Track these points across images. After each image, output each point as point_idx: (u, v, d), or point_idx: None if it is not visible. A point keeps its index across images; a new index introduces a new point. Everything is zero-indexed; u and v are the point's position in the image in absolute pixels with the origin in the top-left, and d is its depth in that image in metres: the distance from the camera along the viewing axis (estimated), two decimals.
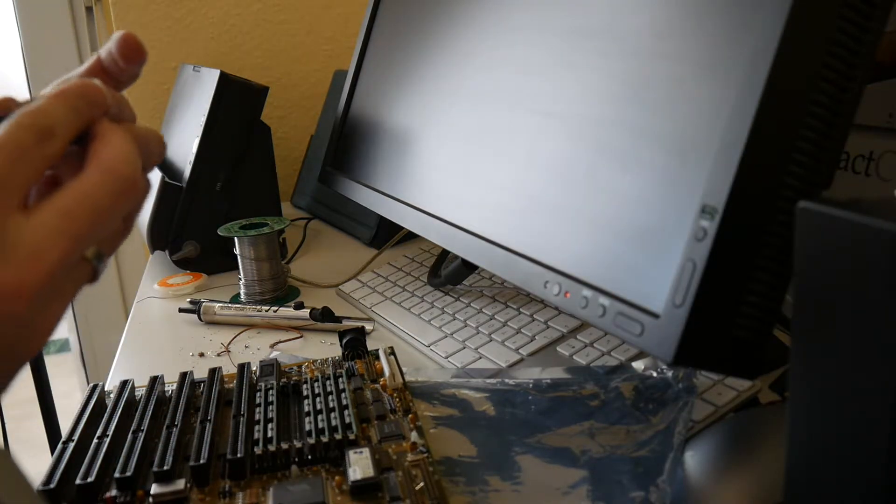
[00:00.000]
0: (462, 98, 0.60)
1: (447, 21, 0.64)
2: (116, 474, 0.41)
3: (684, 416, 0.44)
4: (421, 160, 0.64)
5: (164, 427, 0.46)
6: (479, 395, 0.51)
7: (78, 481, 0.41)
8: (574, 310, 0.43)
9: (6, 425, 1.16)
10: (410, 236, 0.86)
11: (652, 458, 0.42)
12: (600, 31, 0.46)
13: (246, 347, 0.66)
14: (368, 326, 0.66)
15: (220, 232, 0.75)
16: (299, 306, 0.68)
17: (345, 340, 0.56)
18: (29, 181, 0.28)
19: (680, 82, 0.40)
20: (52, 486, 0.40)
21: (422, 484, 0.40)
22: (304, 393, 0.49)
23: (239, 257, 0.75)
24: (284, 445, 0.43)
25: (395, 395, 0.49)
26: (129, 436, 0.45)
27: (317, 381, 0.50)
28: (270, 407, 0.47)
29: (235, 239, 0.74)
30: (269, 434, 0.44)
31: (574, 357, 0.55)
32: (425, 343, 0.62)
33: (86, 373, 1.48)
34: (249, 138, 0.86)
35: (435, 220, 0.59)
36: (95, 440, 0.45)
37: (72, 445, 0.44)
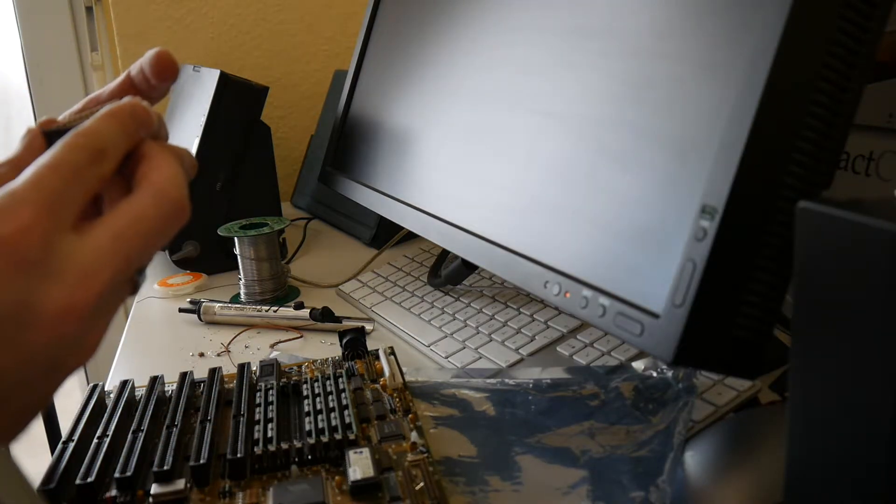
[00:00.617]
0: (462, 98, 0.60)
1: (447, 21, 0.64)
2: (116, 474, 0.41)
3: (684, 416, 0.44)
4: (421, 160, 0.64)
5: (164, 427, 0.46)
6: (479, 395, 0.51)
7: (78, 481, 0.41)
8: (574, 310, 0.43)
9: None
10: (410, 236, 0.86)
11: (652, 458, 0.42)
12: (600, 31, 0.46)
13: (246, 347, 0.66)
14: (368, 326, 0.66)
15: (220, 232, 0.75)
16: (299, 306, 0.68)
17: (345, 340, 0.56)
18: (82, 201, 0.29)
19: (680, 82, 0.40)
20: (52, 486, 0.40)
21: (422, 484, 0.40)
22: (304, 393, 0.49)
23: (239, 257, 0.75)
24: (284, 445, 0.43)
25: (395, 395, 0.49)
26: (129, 436, 0.45)
27: (317, 381, 0.50)
28: (270, 407, 0.47)
29: (235, 239, 0.74)
30: (269, 434, 0.44)
31: (574, 357, 0.55)
32: (425, 343, 0.62)
33: (86, 373, 1.48)
34: (249, 138, 0.86)
35: (435, 220, 0.59)
36: (95, 440, 0.45)
37: (72, 445, 0.44)
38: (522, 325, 0.61)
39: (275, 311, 0.68)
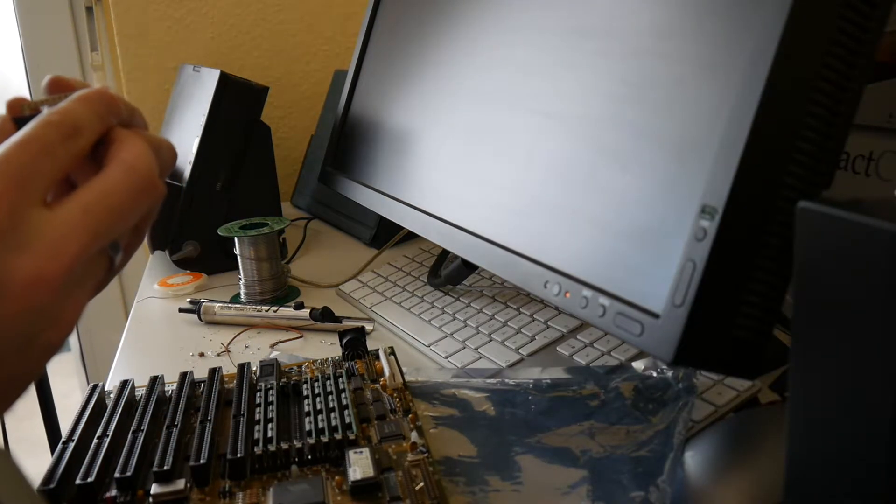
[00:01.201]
0: (462, 98, 0.60)
1: (447, 21, 0.64)
2: (116, 474, 0.41)
3: (684, 416, 0.44)
4: (421, 160, 0.64)
5: (164, 427, 0.46)
6: (479, 395, 0.51)
7: (78, 481, 0.41)
8: (574, 310, 0.43)
9: (6, 425, 1.16)
10: (410, 236, 0.86)
11: (652, 458, 0.42)
12: (600, 31, 0.46)
13: (246, 347, 0.66)
14: (368, 326, 0.66)
15: (220, 232, 0.75)
16: (299, 306, 0.68)
17: (345, 340, 0.56)
18: (53, 177, 0.30)
19: (680, 82, 0.40)
20: (52, 486, 0.40)
21: (422, 484, 0.40)
22: (304, 393, 0.49)
23: (239, 257, 0.75)
24: (284, 445, 0.43)
25: (395, 395, 0.49)
26: (129, 436, 0.45)
27: (317, 381, 0.51)
28: (270, 407, 0.47)
29: (235, 239, 0.74)
30: (269, 434, 0.44)
31: (574, 357, 0.55)
32: (425, 343, 0.62)
33: (86, 373, 1.48)
34: (249, 138, 0.86)
35: (435, 220, 0.59)
36: (95, 440, 0.45)
37: (72, 445, 0.44)
38: (522, 325, 0.61)
39: (275, 311, 0.68)
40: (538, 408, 0.49)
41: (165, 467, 0.41)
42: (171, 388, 0.52)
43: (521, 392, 0.51)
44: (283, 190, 0.99)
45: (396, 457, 0.42)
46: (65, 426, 0.51)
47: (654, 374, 0.49)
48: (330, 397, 0.48)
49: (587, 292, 0.42)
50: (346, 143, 0.79)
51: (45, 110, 0.31)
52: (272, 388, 0.49)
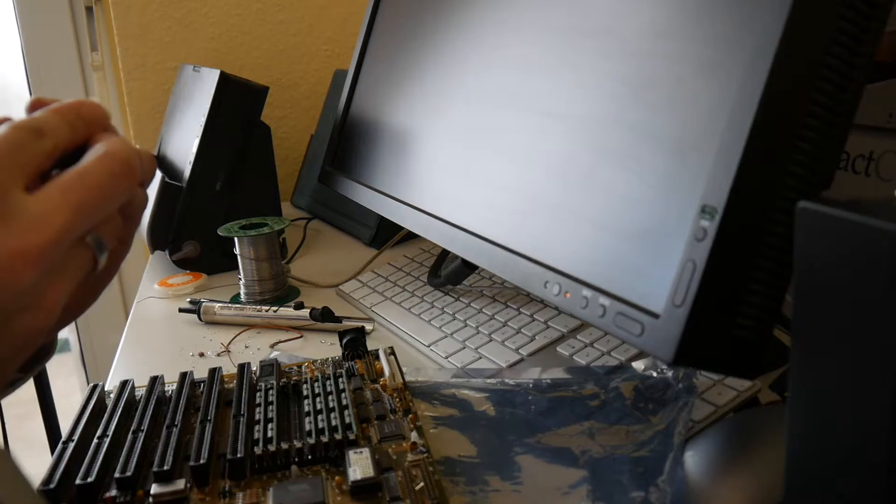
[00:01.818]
0: (462, 98, 0.60)
1: (447, 21, 0.64)
2: (116, 474, 0.41)
3: (684, 416, 0.44)
4: (421, 160, 0.64)
5: (164, 427, 0.46)
6: (479, 395, 0.51)
7: (78, 481, 0.41)
8: (574, 310, 0.43)
9: (6, 425, 1.16)
10: (410, 236, 0.86)
11: (652, 458, 0.42)
12: (600, 31, 0.46)
13: (246, 347, 0.66)
14: (368, 326, 0.66)
15: (220, 232, 0.75)
16: (299, 306, 0.68)
17: (345, 340, 0.56)
18: (26, 168, 0.31)
19: (680, 82, 0.40)
20: (52, 486, 0.40)
21: (422, 484, 0.40)
22: (304, 393, 0.49)
23: (239, 257, 0.75)
24: (284, 445, 0.43)
25: (395, 395, 0.49)
26: (129, 436, 0.45)
27: (317, 381, 0.50)
28: (270, 407, 0.47)
29: (235, 239, 0.74)
30: (269, 434, 0.44)
31: (574, 357, 0.55)
32: (425, 343, 0.62)
33: (86, 373, 1.48)
34: (249, 138, 0.86)
35: (435, 220, 0.59)
36: (95, 440, 0.45)
37: (72, 445, 0.44)
38: (522, 325, 0.61)
39: (275, 311, 0.68)
40: (538, 408, 0.49)
41: (165, 467, 0.41)
42: (171, 388, 0.52)
43: (521, 392, 0.51)
44: (283, 190, 0.99)
45: (396, 457, 0.42)
46: (65, 426, 0.51)
47: (654, 374, 0.49)
48: (330, 397, 0.48)
49: (587, 292, 0.42)
50: (346, 143, 0.79)
51: None
52: (272, 388, 0.49)
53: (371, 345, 0.57)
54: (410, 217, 0.63)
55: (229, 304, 0.71)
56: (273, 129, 0.90)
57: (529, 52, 0.52)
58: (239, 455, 0.42)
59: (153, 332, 0.72)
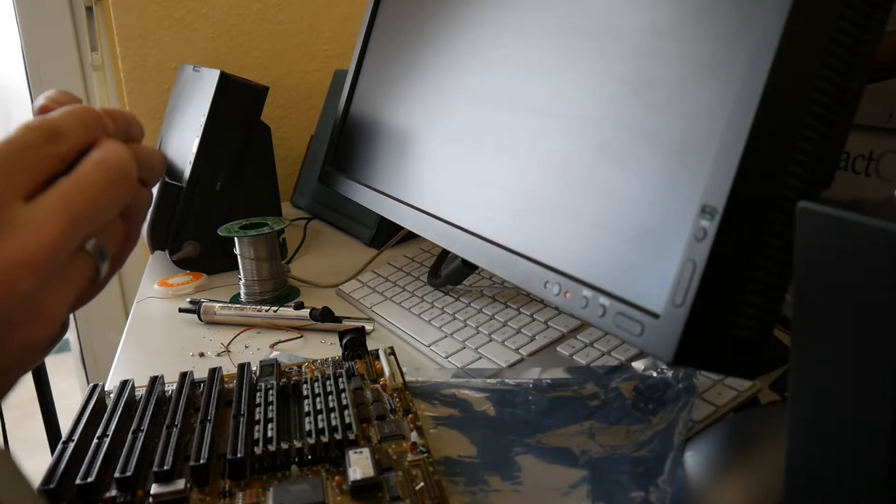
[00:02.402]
0: (462, 98, 0.60)
1: (447, 21, 0.64)
2: (116, 474, 0.41)
3: (684, 416, 0.44)
4: (421, 160, 0.64)
5: (164, 427, 0.46)
6: (479, 395, 0.51)
7: (78, 481, 0.41)
8: (574, 310, 0.43)
9: (6, 425, 1.16)
10: (410, 236, 0.86)
11: (652, 458, 0.42)
12: (600, 31, 0.46)
13: (246, 347, 0.66)
14: (368, 326, 0.66)
15: (220, 232, 0.75)
16: (299, 306, 0.68)
17: (345, 340, 0.56)
18: (35, 174, 0.31)
19: (680, 82, 0.40)
20: (52, 486, 0.40)
21: (422, 484, 0.40)
22: (304, 393, 0.49)
23: (239, 257, 0.75)
24: (284, 445, 0.43)
25: (395, 395, 0.49)
26: (129, 436, 0.45)
27: (317, 381, 0.50)
28: (270, 407, 0.47)
29: (235, 239, 0.74)
30: (269, 434, 0.44)
31: (574, 357, 0.55)
32: (425, 343, 0.62)
33: (86, 373, 1.48)
34: (249, 138, 0.86)
35: (435, 220, 0.59)
36: (95, 440, 0.45)
37: (72, 445, 0.44)
38: (522, 325, 0.61)
39: (275, 311, 0.68)
40: (538, 408, 0.49)
41: (165, 467, 0.41)
42: (171, 388, 0.52)
43: (521, 392, 0.51)
44: (283, 190, 0.99)
45: (396, 457, 0.42)
46: (65, 426, 0.51)
47: (654, 374, 0.49)
48: (330, 397, 0.48)
49: (587, 292, 0.42)
50: (346, 143, 0.79)
51: None
52: (272, 388, 0.49)
53: (371, 345, 0.57)
54: (410, 217, 0.63)
55: (229, 304, 0.71)
56: (273, 129, 0.90)
57: (529, 51, 0.52)
58: (239, 455, 0.42)
59: (153, 332, 0.72)
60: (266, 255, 0.75)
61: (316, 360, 0.56)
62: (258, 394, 0.49)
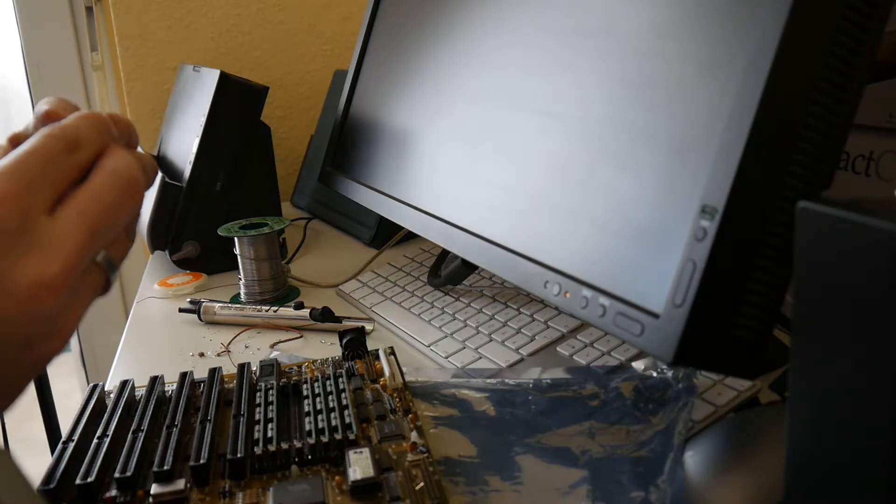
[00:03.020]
0: (462, 98, 0.60)
1: (447, 21, 0.64)
2: (116, 474, 0.41)
3: (684, 416, 0.44)
4: (421, 160, 0.64)
5: (164, 427, 0.46)
6: (479, 395, 0.51)
7: (78, 481, 0.41)
8: (574, 310, 0.43)
9: (6, 425, 1.16)
10: (410, 236, 0.86)
11: (652, 458, 0.42)
12: (600, 31, 0.46)
13: (246, 347, 0.66)
14: (368, 326, 0.66)
15: (220, 232, 0.75)
16: (299, 306, 0.68)
17: (345, 340, 0.56)
18: (58, 186, 0.31)
19: (680, 82, 0.40)
20: (52, 486, 0.40)
21: (422, 484, 0.40)
22: (304, 393, 0.49)
23: (239, 257, 0.75)
24: (284, 445, 0.43)
25: (395, 395, 0.49)
26: (129, 436, 0.45)
27: (317, 381, 0.51)
28: (270, 407, 0.47)
29: (235, 239, 0.74)
30: (269, 434, 0.44)
31: (574, 357, 0.55)
32: (425, 343, 0.62)
33: (86, 373, 1.48)
34: (249, 138, 0.86)
35: (435, 220, 0.59)
36: (95, 440, 0.45)
37: (72, 445, 0.44)
38: (522, 325, 0.61)
39: (275, 311, 0.68)
40: (538, 408, 0.49)
41: (165, 467, 0.41)
42: (171, 388, 0.52)
43: (521, 392, 0.51)
44: (283, 190, 0.99)
45: (396, 457, 0.42)
46: (65, 426, 0.51)
47: (654, 374, 0.49)
48: (330, 397, 0.48)
49: (587, 292, 0.42)
50: (346, 143, 0.79)
51: None
52: (272, 388, 0.49)
53: (371, 345, 0.57)
54: (410, 217, 0.63)
55: (229, 304, 0.71)
56: (273, 129, 0.91)
57: (529, 52, 0.52)
58: (239, 455, 0.42)
59: (153, 332, 0.72)
60: (266, 255, 0.75)
61: (316, 360, 0.56)
62: (258, 394, 0.49)
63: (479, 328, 0.62)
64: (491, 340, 0.60)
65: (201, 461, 0.42)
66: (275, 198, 0.92)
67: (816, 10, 0.34)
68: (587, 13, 0.47)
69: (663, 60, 0.41)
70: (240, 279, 0.76)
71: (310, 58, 1.22)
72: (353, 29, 1.22)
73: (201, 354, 0.65)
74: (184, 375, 0.52)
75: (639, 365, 0.51)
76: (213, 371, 0.53)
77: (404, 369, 0.53)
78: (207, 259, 0.85)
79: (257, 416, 0.46)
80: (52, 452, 0.44)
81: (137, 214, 0.38)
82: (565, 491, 0.41)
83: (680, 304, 0.36)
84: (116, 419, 0.47)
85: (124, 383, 0.52)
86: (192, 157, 0.83)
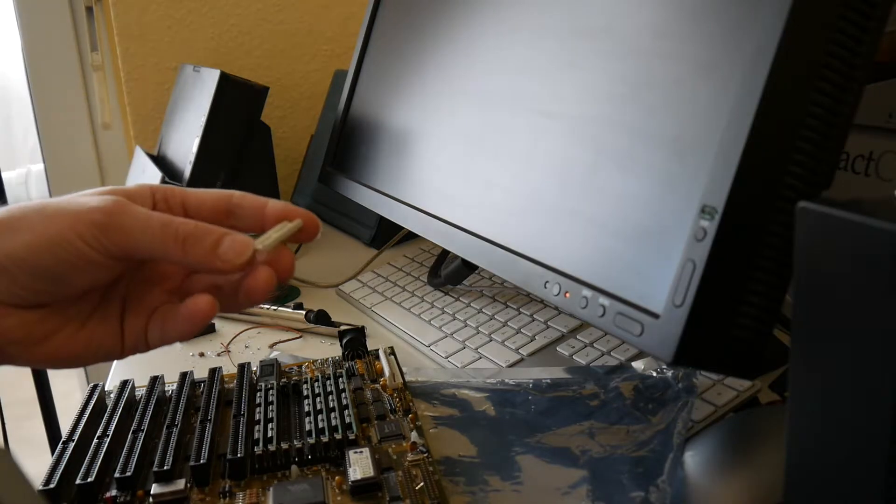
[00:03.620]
0: (462, 98, 0.60)
1: (447, 21, 0.64)
2: (116, 474, 0.41)
3: (684, 416, 0.44)
4: (421, 160, 0.64)
5: (164, 427, 0.46)
6: (479, 395, 0.51)
7: (78, 481, 0.41)
8: (574, 310, 0.43)
9: (6, 425, 1.16)
10: (410, 236, 0.86)
11: (652, 458, 0.42)
12: (600, 31, 0.46)
13: (246, 347, 0.66)
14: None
15: None
16: (299, 307, 0.68)
17: (345, 340, 0.56)
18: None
19: (680, 82, 0.40)
20: (52, 486, 0.40)
21: (422, 484, 0.40)
22: (304, 393, 0.49)
23: None
24: (284, 445, 0.43)
25: (395, 395, 0.49)
26: (129, 436, 0.45)
27: (317, 381, 0.50)
28: (270, 407, 0.47)
29: None
30: (269, 434, 0.44)
31: (574, 357, 0.55)
32: (425, 343, 0.62)
33: (86, 373, 1.48)
34: (249, 138, 0.86)
35: (435, 220, 0.59)
36: (95, 440, 0.45)
37: (72, 445, 0.44)
38: (522, 325, 0.61)
39: (275, 311, 0.68)
40: (538, 408, 0.49)
41: (165, 467, 0.41)
42: (171, 388, 0.52)
43: (521, 392, 0.51)
44: (283, 190, 0.99)
45: (396, 457, 0.42)
46: (65, 426, 0.51)
47: (654, 374, 0.49)
48: (330, 397, 0.48)
49: (587, 292, 0.42)
50: (346, 143, 0.79)
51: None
52: (272, 388, 0.49)
53: (371, 345, 0.57)
54: (410, 217, 0.63)
55: None
56: (273, 129, 0.90)
57: (529, 52, 0.52)
58: (239, 455, 0.42)
59: None
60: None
61: (316, 360, 0.56)
62: (258, 394, 0.49)
63: (479, 328, 0.62)
64: (491, 340, 0.60)
65: (201, 461, 0.42)
66: (275, 198, 0.92)
67: (816, 10, 0.34)
68: (587, 14, 0.47)
69: (663, 61, 0.41)
70: None
71: (310, 58, 1.22)
72: (353, 29, 1.22)
73: (201, 354, 0.65)
74: (184, 375, 0.52)
75: (639, 365, 0.51)
76: (213, 371, 0.53)
77: (404, 369, 0.53)
78: None
79: (257, 416, 0.46)
80: (52, 452, 0.44)
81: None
82: (565, 491, 0.41)
83: (680, 304, 0.36)
84: (116, 419, 0.47)
85: (124, 383, 0.52)
86: (192, 157, 0.83)
